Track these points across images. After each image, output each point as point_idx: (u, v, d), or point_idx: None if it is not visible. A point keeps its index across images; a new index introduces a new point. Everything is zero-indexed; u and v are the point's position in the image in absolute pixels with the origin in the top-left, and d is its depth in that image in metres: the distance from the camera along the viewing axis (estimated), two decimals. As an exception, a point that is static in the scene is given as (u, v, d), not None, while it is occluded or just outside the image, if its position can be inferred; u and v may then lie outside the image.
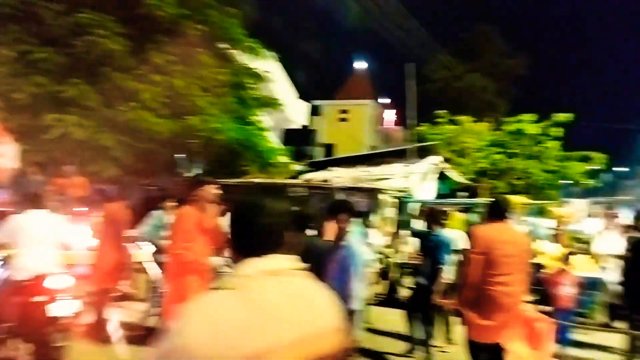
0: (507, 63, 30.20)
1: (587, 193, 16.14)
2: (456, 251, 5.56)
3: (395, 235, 9.08)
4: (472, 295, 3.66)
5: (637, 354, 5.34)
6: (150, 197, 8.13)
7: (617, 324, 6.52)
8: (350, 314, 3.34)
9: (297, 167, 15.32)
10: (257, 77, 12.19)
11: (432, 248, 5.27)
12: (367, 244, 5.82)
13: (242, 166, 11.80)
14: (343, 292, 3.25)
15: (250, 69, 12.04)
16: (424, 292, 5.20)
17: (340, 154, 28.40)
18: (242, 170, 12.37)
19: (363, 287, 3.47)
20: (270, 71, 13.20)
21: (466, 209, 10.45)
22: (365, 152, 18.06)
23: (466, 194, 14.19)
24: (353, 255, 3.49)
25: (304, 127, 24.82)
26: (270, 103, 12.91)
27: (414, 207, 10.55)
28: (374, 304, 7.06)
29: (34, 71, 7.18)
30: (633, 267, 5.57)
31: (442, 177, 14.25)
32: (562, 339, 5.64)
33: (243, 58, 12.03)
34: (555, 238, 8.45)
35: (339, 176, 11.26)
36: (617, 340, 5.76)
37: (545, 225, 10.35)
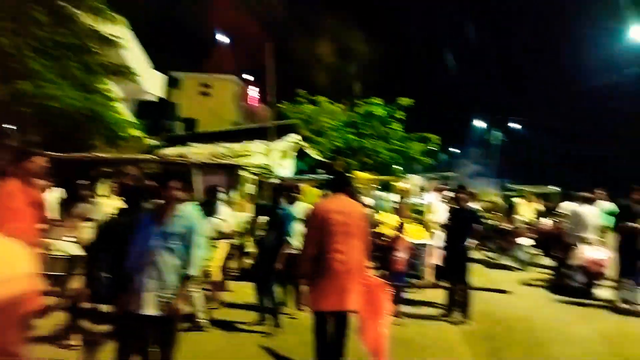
0: (363, 48, 32.14)
1: (426, 170, 18.17)
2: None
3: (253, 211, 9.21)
4: (310, 265, 3.87)
5: (455, 307, 6.29)
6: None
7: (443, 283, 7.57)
8: (187, 278, 3.38)
9: (152, 142, 14.47)
10: (104, 41, 11.08)
11: (277, 221, 5.52)
12: (217, 218, 5.82)
13: (87, 139, 10.73)
14: (182, 259, 3.34)
15: (96, 32, 10.88)
16: (268, 262, 5.43)
17: (202, 129, 27.50)
18: (88, 143, 11.27)
19: (200, 256, 3.46)
20: (121, 37, 12.11)
21: (322, 184, 11.04)
22: (227, 128, 17.77)
23: (323, 171, 14.95)
24: (189, 224, 3.41)
25: (161, 99, 23.36)
26: (120, 71, 11.86)
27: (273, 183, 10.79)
28: (231, 279, 7.13)
29: None
30: (451, 233, 6.51)
31: (302, 154, 14.80)
32: (397, 299, 6.38)
33: (88, 20, 10.81)
34: (397, 210, 9.43)
35: (197, 152, 10.93)
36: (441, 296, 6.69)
37: (390, 198, 11.48)
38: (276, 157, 12.80)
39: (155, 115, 23.26)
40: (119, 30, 12.44)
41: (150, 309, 3.23)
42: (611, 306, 7.04)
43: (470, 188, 8.47)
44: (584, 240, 7.77)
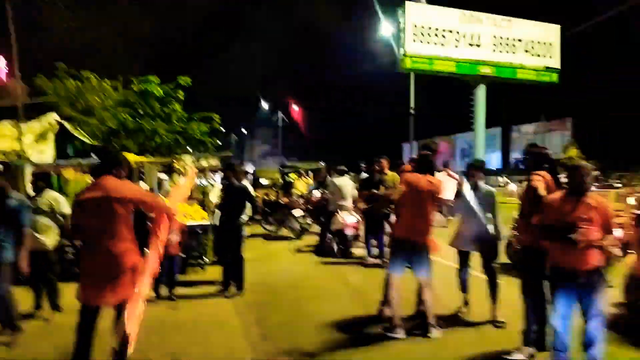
0: (138, 25, 29.84)
1: (215, 151, 18.08)
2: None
3: None
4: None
5: (230, 281, 6.50)
6: None
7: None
8: None
9: None
10: None
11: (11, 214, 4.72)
12: None
13: None
14: None
15: None
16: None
17: None
18: None
19: None
20: None
21: (93, 169, 9.96)
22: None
23: (96, 155, 13.46)
24: None
25: None
26: None
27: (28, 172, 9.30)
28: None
29: None
30: (225, 211, 6.68)
31: (68, 137, 13.01)
32: (170, 281, 6.27)
33: None
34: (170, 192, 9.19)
35: None
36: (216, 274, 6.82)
37: (177, 181, 11.08)
38: (30, 140, 10.97)
39: None
40: None
41: None
42: (362, 262, 8.31)
43: (256, 167, 8.81)
44: (342, 208, 8.93)
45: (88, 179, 9.42)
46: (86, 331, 3.49)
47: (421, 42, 26.85)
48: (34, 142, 11.15)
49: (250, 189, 7.15)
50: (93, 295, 3.47)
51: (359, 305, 5.89)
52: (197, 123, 15.88)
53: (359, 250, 8.95)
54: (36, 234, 5.09)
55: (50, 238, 5.32)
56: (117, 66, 18.79)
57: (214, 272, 7.20)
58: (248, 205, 6.62)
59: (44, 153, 11.53)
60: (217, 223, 6.88)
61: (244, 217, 6.67)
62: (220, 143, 18.25)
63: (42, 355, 4.38)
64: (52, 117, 12.35)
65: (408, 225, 4.82)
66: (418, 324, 4.96)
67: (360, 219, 8.82)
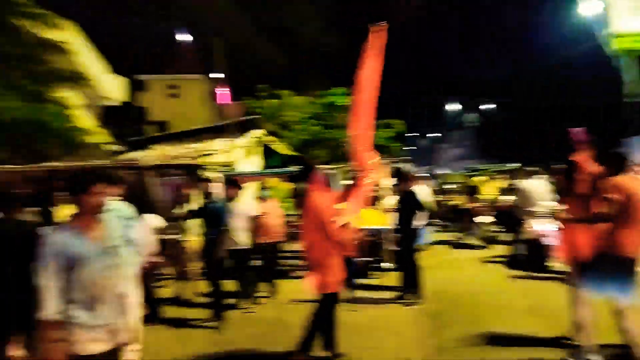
0: (324, 41, 32.19)
1: (398, 156, 18.28)
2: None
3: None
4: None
5: (408, 288, 6.39)
6: None
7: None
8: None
9: (116, 147, 14.28)
10: (51, 48, 10.87)
11: (213, 216, 5.60)
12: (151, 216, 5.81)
13: (41, 150, 10.54)
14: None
15: (42, 40, 10.66)
16: (211, 257, 5.55)
17: (174, 131, 27.20)
18: (43, 154, 11.06)
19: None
20: (70, 42, 11.90)
21: (292, 177, 11.03)
22: (190, 128, 17.59)
23: (296, 165, 14.94)
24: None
25: (127, 104, 23.11)
26: (71, 78, 11.67)
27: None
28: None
29: None
30: (401, 217, 6.59)
31: (269, 150, 14.75)
32: (350, 285, 6.46)
33: (31, 27, 10.58)
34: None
35: (152, 154, 10.82)
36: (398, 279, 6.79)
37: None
38: (239, 154, 12.75)
39: (123, 120, 22.94)
40: (69, 36, 12.24)
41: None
42: (563, 278, 7.20)
43: (445, 170, 8.56)
44: (532, 214, 7.93)
45: (288, 186, 10.49)
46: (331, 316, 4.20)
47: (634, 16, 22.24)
48: (243, 155, 12.94)
49: (425, 194, 6.92)
50: (335, 284, 4.13)
51: (548, 326, 5.12)
52: (381, 130, 16.18)
53: (558, 264, 7.80)
54: (236, 234, 5.87)
55: (243, 237, 6.07)
56: (309, 82, 20.58)
57: (394, 278, 7.16)
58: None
59: (252, 165, 13.29)
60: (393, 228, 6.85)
61: (420, 223, 6.47)
62: (404, 148, 18.32)
63: (240, 341, 4.98)
64: (257, 132, 14.21)
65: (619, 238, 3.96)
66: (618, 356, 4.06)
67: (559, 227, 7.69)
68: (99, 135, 13.95)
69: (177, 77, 32.50)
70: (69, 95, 12.51)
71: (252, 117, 15.33)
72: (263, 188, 8.38)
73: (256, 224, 6.47)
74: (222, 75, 35.34)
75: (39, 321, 2.45)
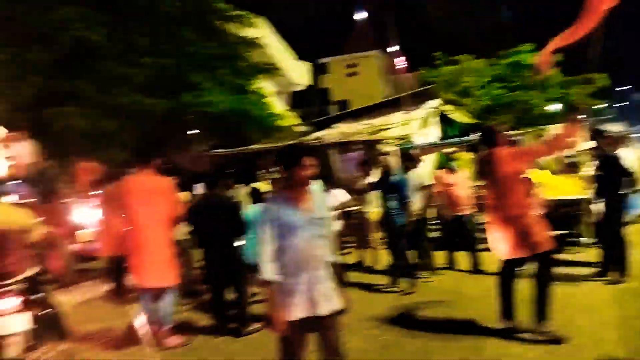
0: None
1: (600, 115, 15.84)
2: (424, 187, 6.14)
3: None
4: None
5: (611, 265, 5.66)
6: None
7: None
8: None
9: (303, 128, 15.67)
10: (249, 44, 12.35)
11: (393, 189, 5.77)
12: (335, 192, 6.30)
13: (245, 135, 12.25)
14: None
15: (241, 38, 12.20)
16: (392, 228, 5.78)
17: (354, 108, 28.45)
18: (248, 139, 12.81)
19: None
20: (262, 36, 13.34)
21: (471, 146, 10.63)
22: (367, 104, 18.15)
23: (477, 133, 14.21)
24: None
25: (311, 87, 24.97)
26: (266, 69, 13.12)
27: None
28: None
29: (28, 71, 7.71)
30: (601, 185, 5.82)
31: (447, 120, 14.31)
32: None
33: (231, 28, 12.20)
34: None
35: (333, 132, 11.57)
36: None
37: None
38: (416, 126, 12.70)
39: (307, 103, 24.95)
40: (261, 31, 13.74)
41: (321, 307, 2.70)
42: None
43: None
44: None
45: (468, 155, 10.12)
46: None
47: None
48: (419, 127, 12.87)
49: (634, 158, 5.94)
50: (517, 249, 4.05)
51: None
52: (580, 87, 14.23)
53: None
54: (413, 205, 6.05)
55: (421, 209, 6.19)
56: (491, 43, 19.08)
57: (593, 254, 6.41)
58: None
59: (428, 136, 13.14)
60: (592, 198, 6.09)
61: (626, 191, 5.61)
62: (608, 105, 15.70)
63: (418, 308, 5.17)
64: (434, 102, 13.90)
65: None
66: None
67: None
68: (289, 119, 15.50)
69: (355, 55, 33.64)
70: (264, 85, 14.15)
71: (427, 87, 15.03)
72: (449, 159, 8.27)
73: (432, 195, 6.49)
74: (397, 48, 35.32)
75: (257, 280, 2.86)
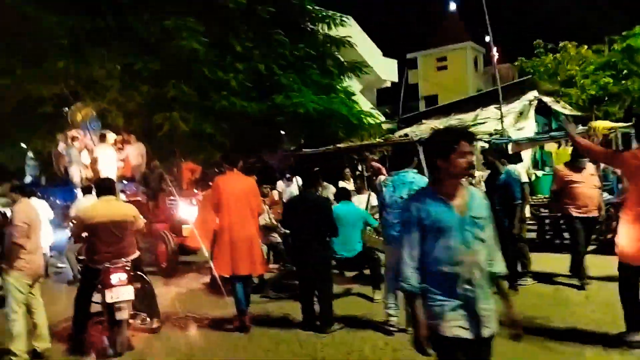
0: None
1: None
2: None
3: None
4: None
5: None
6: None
7: None
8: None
9: (388, 125, 15.47)
10: (337, 43, 12.51)
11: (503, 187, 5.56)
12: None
13: (332, 134, 12.39)
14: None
15: (330, 37, 12.38)
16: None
17: (443, 103, 27.54)
18: (336, 137, 12.95)
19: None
20: (350, 35, 13.40)
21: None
22: (457, 99, 17.45)
23: (579, 125, 13.11)
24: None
25: (396, 83, 24.57)
26: (353, 67, 13.19)
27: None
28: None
29: (138, 80, 8.55)
30: None
31: (547, 112, 13.33)
32: None
33: (321, 28, 12.43)
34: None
35: (423, 129, 11.31)
36: None
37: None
38: (511, 121, 11.99)
39: (395, 99, 24.58)
40: (348, 30, 13.82)
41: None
42: None
43: None
44: None
45: (568, 151, 9.36)
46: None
47: None
48: (514, 121, 12.14)
49: None
50: None
51: None
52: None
53: None
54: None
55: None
56: (598, 28, 17.40)
57: None
58: None
59: (524, 130, 12.33)
60: None
61: None
62: None
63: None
64: (531, 94, 13.02)
65: None
66: None
67: None
68: (375, 116, 15.40)
69: (445, 48, 32.54)
70: (350, 83, 14.23)
71: (525, 78, 14.11)
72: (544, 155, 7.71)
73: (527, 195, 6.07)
74: (489, 39, 33.54)
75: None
